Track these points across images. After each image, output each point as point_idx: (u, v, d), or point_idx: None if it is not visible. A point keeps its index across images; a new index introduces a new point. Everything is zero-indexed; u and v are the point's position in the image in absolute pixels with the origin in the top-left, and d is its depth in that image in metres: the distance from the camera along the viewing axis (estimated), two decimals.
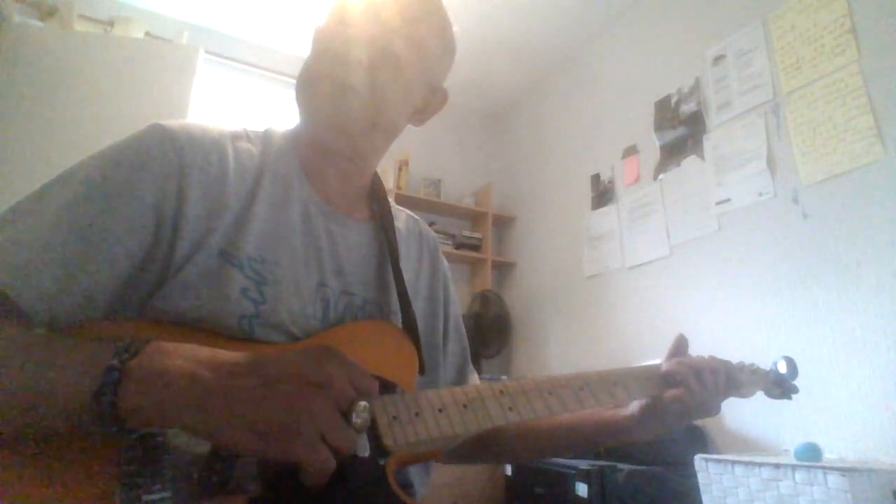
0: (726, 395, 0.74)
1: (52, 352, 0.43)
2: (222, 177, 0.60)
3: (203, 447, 0.44)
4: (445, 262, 0.85)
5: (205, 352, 0.43)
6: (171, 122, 0.60)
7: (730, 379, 0.74)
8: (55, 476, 0.41)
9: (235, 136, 0.66)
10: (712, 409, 0.70)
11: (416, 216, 0.85)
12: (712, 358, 0.75)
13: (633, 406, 0.71)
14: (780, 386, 0.80)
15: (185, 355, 0.42)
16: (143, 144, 0.57)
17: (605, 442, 0.74)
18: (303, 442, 0.39)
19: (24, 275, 0.47)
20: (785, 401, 0.81)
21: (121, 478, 0.41)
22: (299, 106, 0.68)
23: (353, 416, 0.41)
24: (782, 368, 0.80)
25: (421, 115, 0.75)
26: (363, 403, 0.42)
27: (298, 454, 0.39)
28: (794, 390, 0.81)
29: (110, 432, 0.40)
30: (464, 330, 0.84)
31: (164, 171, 0.56)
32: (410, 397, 0.54)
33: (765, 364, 0.82)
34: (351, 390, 0.42)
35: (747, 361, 0.80)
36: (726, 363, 0.76)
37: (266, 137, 0.69)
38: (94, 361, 0.41)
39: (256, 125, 0.72)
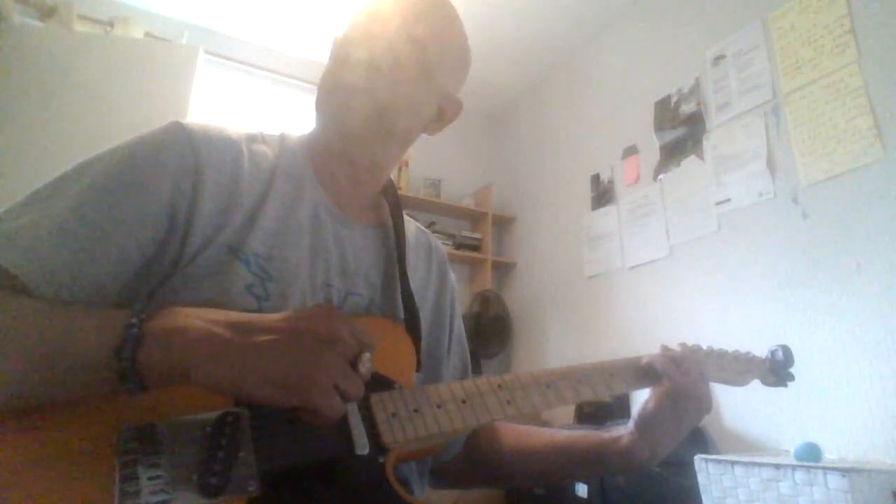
0: (719, 381, 0.73)
1: (71, 314, 0.46)
2: (236, 176, 0.61)
3: (201, 448, 0.44)
4: (454, 277, 0.85)
5: (219, 313, 0.46)
6: (191, 122, 0.62)
7: (717, 365, 0.74)
8: (52, 477, 0.40)
9: (251, 138, 0.67)
10: (702, 401, 0.68)
11: (425, 229, 0.86)
12: (696, 347, 0.75)
13: (628, 426, 0.69)
14: (776, 374, 0.81)
15: (200, 316, 0.45)
16: (161, 141, 0.59)
17: (608, 467, 0.70)
18: (319, 390, 0.42)
19: (36, 259, 0.48)
20: (784, 401, 0.81)
21: (119, 480, 0.41)
22: (315, 111, 0.70)
23: (360, 365, 0.46)
24: (778, 356, 0.81)
25: (436, 124, 0.76)
26: (367, 354, 0.46)
27: (315, 401, 0.42)
28: (790, 378, 0.81)
29: (130, 390, 0.42)
30: (466, 345, 0.84)
31: (181, 169, 0.57)
32: (409, 393, 0.54)
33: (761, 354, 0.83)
34: (355, 344, 0.46)
35: (742, 350, 0.81)
36: (715, 351, 0.77)
37: (281, 140, 0.71)
38: (113, 321, 0.43)
39: (272, 128, 0.73)
